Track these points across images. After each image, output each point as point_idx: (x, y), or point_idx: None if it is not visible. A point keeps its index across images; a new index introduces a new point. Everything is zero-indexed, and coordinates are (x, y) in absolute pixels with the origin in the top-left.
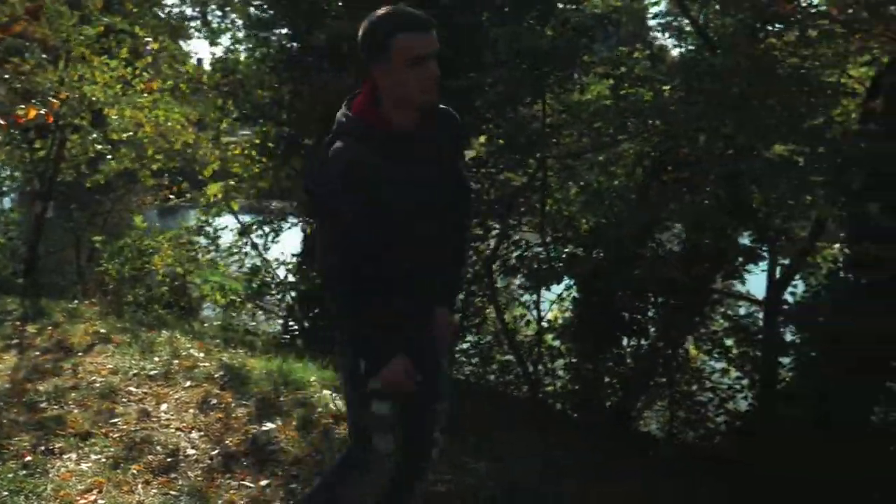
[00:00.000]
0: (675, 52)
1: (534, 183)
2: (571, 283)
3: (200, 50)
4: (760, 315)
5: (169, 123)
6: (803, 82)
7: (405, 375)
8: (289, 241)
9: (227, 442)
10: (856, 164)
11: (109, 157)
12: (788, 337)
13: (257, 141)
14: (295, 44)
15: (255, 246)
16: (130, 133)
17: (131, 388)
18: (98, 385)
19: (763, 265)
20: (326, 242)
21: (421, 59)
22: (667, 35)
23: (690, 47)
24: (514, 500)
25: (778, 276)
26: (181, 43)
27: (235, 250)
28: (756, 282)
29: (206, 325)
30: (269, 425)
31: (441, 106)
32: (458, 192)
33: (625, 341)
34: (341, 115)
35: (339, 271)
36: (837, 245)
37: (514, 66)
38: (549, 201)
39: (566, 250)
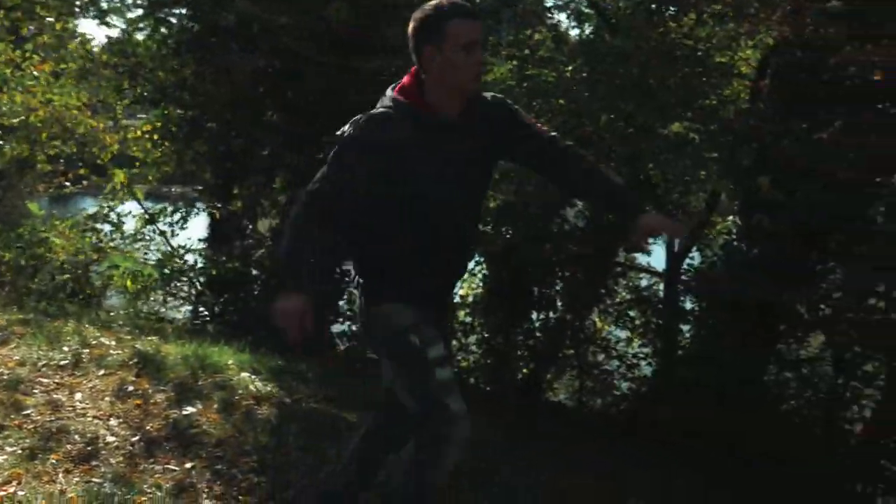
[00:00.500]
0: (574, 33)
1: None
2: (481, 260)
3: (93, 30)
4: (661, 286)
5: (63, 107)
6: (698, 64)
7: (297, 318)
8: (196, 227)
9: (147, 428)
10: (746, 141)
11: (1, 142)
12: (688, 305)
13: (159, 124)
14: (196, 25)
15: (162, 233)
16: (22, 118)
17: (41, 379)
18: (5, 377)
19: (662, 238)
20: (309, 187)
21: (471, 45)
22: (566, 16)
23: (588, 31)
24: None
25: (676, 248)
26: (74, 23)
27: (140, 237)
28: (656, 254)
29: (112, 313)
30: (189, 409)
31: (486, 95)
32: (553, 153)
33: (534, 315)
34: (385, 97)
35: (298, 223)
36: (731, 217)
37: None
38: None
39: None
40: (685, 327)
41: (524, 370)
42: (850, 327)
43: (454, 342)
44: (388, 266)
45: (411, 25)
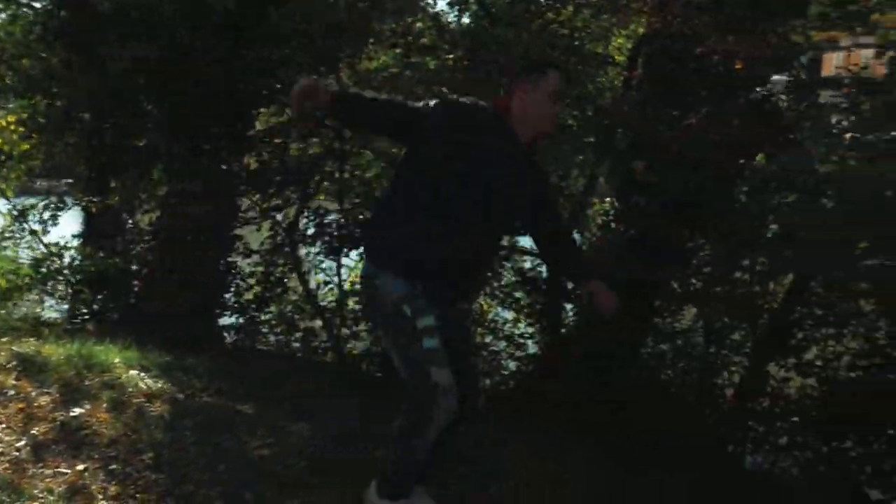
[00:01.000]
0: (451, 18)
1: (331, 151)
2: None
3: None
4: (544, 267)
5: None
6: (575, 52)
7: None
8: (69, 222)
9: (33, 432)
10: (621, 126)
11: None
12: (570, 285)
13: (25, 115)
14: (63, 11)
15: (34, 232)
16: None
17: None
18: None
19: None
20: None
21: (557, 95)
22: (447, 5)
23: (468, 20)
24: (340, 452)
25: None
26: None
27: (10, 235)
28: None
29: None
30: (77, 410)
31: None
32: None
33: None
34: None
35: None
36: (608, 199)
37: (309, 37)
38: (346, 169)
39: (362, 216)
40: (569, 305)
41: None
42: (719, 300)
43: (344, 330)
44: (412, 241)
45: (517, 63)
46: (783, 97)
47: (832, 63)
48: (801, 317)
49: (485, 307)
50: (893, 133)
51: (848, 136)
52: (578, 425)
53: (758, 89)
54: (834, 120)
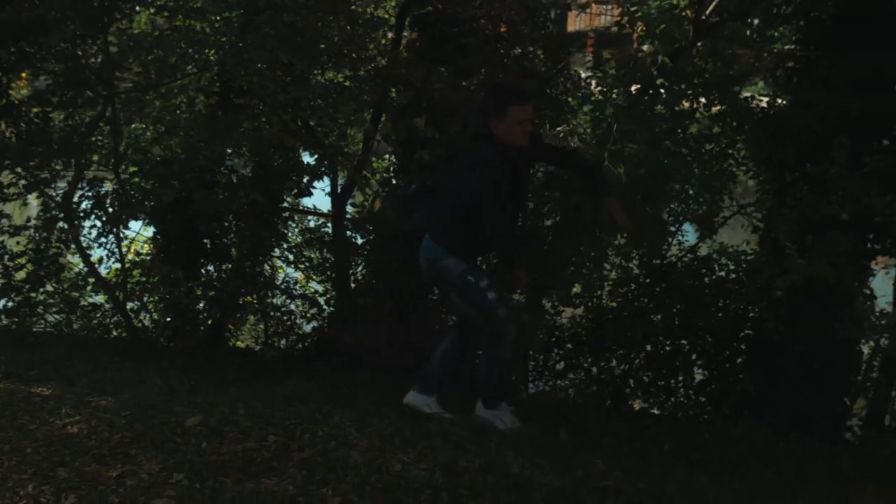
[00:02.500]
0: None
1: (104, 120)
2: (145, 218)
3: None
4: (329, 226)
5: None
6: (350, 16)
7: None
8: None
9: None
10: (393, 84)
11: None
12: (359, 240)
13: None
14: None
15: None
16: None
17: None
18: None
19: (326, 181)
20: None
21: (524, 122)
22: None
23: None
24: (150, 419)
25: (339, 189)
26: None
27: None
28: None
29: None
30: None
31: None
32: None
33: (212, 266)
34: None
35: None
36: (387, 156)
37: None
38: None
39: (142, 185)
40: (358, 259)
41: (207, 322)
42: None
43: (131, 304)
44: (464, 238)
45: (483, 98)
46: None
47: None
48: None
49: (276, 268)
50: (633, 88)
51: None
52: (373, 371)
53: (518, 49)
54: (583, 75)
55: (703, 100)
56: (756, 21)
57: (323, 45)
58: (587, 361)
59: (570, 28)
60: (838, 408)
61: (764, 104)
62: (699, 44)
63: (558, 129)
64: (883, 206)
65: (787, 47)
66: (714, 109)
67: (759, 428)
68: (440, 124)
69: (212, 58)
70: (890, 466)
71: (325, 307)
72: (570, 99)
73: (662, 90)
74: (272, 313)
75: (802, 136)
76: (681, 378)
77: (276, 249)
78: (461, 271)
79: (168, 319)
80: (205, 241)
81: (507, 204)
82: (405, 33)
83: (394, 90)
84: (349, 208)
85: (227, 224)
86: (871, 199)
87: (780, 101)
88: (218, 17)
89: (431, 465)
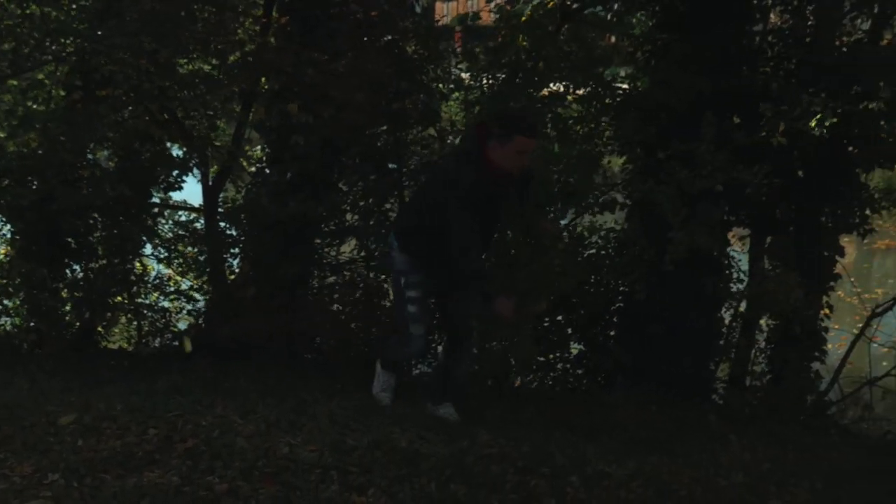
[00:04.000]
0: None
1: None
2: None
3: None
4: (202, 219)
5: None
6: (215, 2)
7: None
8: None
9: None
10: (263, 72)
11: None
12: (235, 233)
13: None
14: None
15: None
16: None
17: None
18: None
19: (196, 173)
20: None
21: (524, 153)
22: None
23: None
24: None
25: (211, 182)
26: None
27: None
28: (192, 190)
29: None
30: None
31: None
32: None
33: (78, 266)
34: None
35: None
36: (259, 147)
37: None
38: None
39: None
40: (234, 250)
41: (76, 324)
42: (375, 228)
43: None
44: (417, 246)
45: (488, 119)
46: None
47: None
48: None
49: (147, 265)
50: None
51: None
52: (254, 365)
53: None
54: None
55: (569, 83)
56: (616, 6)
57: (188, 33)
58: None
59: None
60: (704, 372)
61: (626, 87)
62: (564, 28)
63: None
64: (750, 177)
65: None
66: (580, 92)
67: (633, 395)
68: (313, 109)
69: (69, 48)
70: (750, 421)
71: (201, 302)
72: (440, 86)
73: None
74: (145, 312)
75: (663, 114)
76: (558, 353)
77: (147, 246)
78: (400, 270)
79: (32, 324)
80: (69, 239)
81: (476, 235)
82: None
83: (264, 78)
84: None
85: (92, 221)
86: (738, 172)
87: (640, 84)
88: (74, 5)
89: (319, 445)
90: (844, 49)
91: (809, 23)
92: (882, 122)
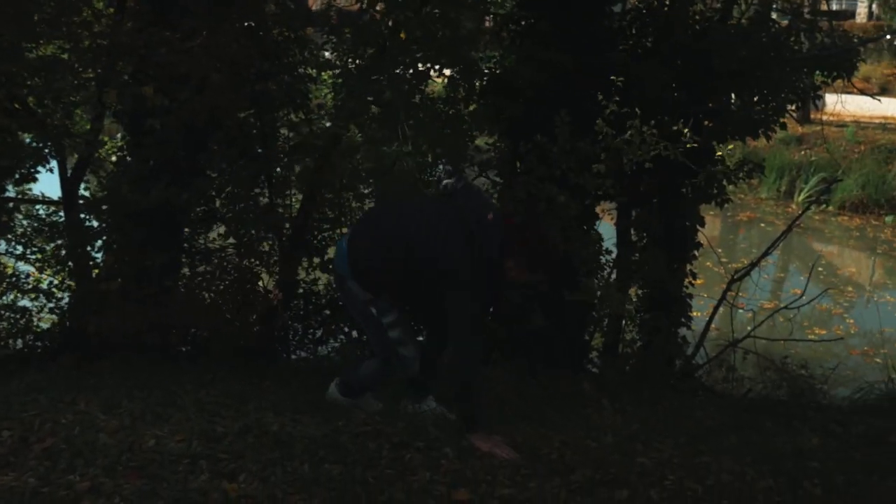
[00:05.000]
0: None
1: None
2: None
3: None
4: (62, 213)
5: None
6: None
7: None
8: None
9: None
10: (117, 55)
11: None
12: (97, 224)
13: None
14: None
15: None
16: None
17: None
18: None
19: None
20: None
21: (526, 281)
22: None
23: None
24: None
25: (69, 173)
26: None
27: None
28: (50, 182)
29: None
30: None
31: None
32: None
33: None
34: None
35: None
36: (119, 135)
37: None
38: None
39: None
40: (98, 243)
41: None
42: (244, 214)
43: None
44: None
45: (529, 235)
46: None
47: None
48: (318, 220)
49: (5, 266)
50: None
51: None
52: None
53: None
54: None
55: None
56: None
57: (35, 14)
58: (347, 326)
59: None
60: (579, 343)
61: (491, 65)
62: (426, 9)
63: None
64: (595, 186)
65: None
66: (447, 72)
67: (511, 369)
68: (168, 91)
69: None
70: (622, 387)
71: (65, 300)
72: (309, 70)
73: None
74: (3, 312)
75: (528, 92)
76: None
77: (1, 243)
78: (365, 300)
79: None
80: None
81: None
82: None
83: (120, 61)
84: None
85: None
86: (583, 178)
87: (507, 63)
88: None
89: (187, 435)
90: (697, 27)
91: (666, 2)
92: (732, 96)
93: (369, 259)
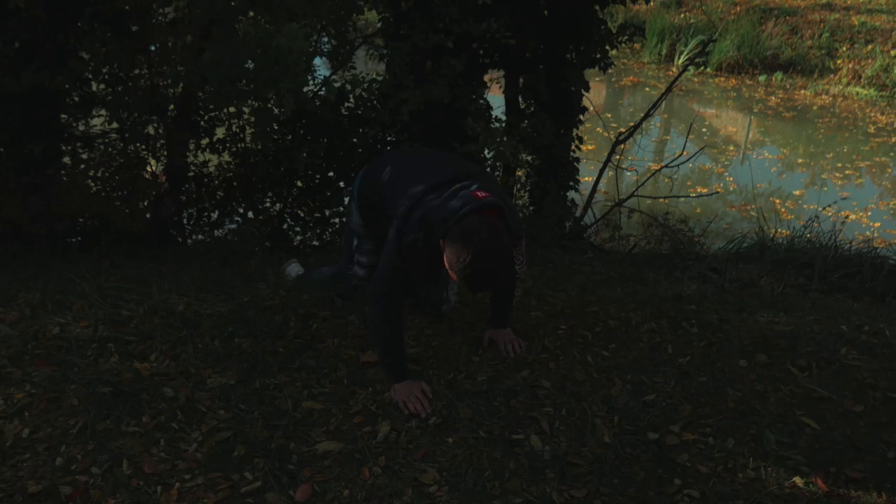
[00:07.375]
0: None
1: None
2: None
3: None
4: None
5: None
6: None
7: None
8: None
9: None
10: None
11: None
12: None
13: None
14: None
15: None
16: None
17: None
18: None
19: None
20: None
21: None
22: None
23: None
24: None
25: None
26: None
27: None
28: None
29: None
30: None
31: None
32: None
33: None
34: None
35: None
36: None
37: None
38: None
39: None
40: None
41: None
42: (124, 96)
43: None
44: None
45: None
46: None
47: None
48: (203, 99)
49: None
50: None
51: None
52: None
53: None
54: None
55: None
56: None
57: None
58: (241, 206)
59: None
60: None
61: None
62: None
63: None
64: (480, 32)
65: None
66: None
67: None
68: None
69: None
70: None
71: None
72: None
73: None
74: None
75: None
76: (333, 208)
77: None
78: (354, 229)
79: None
80: None
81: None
82: None
83: None
84: None
85: None
86: (469, 26)
87: None
88: None
89: (92, 321)
90: None
91: None
92: None
93: (368, 192)
